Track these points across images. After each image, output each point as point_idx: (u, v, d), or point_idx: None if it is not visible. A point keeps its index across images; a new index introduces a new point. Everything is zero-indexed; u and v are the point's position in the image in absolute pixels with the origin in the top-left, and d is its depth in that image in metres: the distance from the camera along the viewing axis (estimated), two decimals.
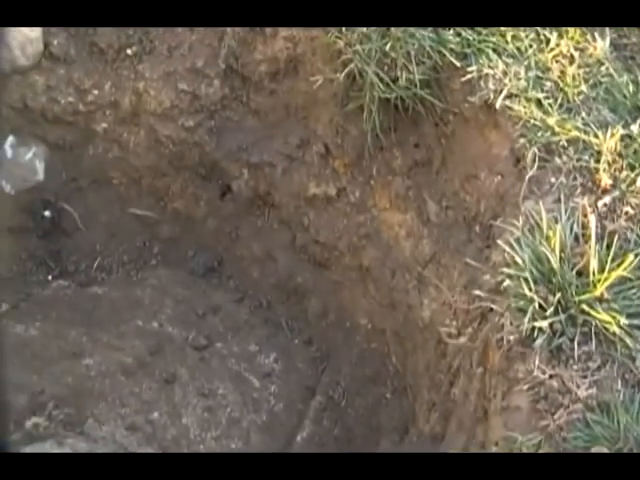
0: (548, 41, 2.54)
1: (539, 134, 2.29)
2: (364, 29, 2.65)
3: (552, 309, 1.84)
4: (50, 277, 3.22)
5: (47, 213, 3.24)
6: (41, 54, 3.07)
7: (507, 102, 2.38)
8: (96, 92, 3.19)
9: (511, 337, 1.87)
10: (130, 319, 3.10)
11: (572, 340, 1.80)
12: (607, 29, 2.64)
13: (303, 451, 2.76)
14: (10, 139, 3.18)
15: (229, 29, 3.01)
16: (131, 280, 3.27)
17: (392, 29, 2.61)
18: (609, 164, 2.19)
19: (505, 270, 1.98)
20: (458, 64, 2.52)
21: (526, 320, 1.84)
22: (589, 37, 2.58)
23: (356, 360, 2.96)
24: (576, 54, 2.51)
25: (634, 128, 2.28)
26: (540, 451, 1.66)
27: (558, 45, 2.52)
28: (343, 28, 2.69)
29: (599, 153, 2.21)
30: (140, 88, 3.19)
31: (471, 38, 2.55)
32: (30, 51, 3.03)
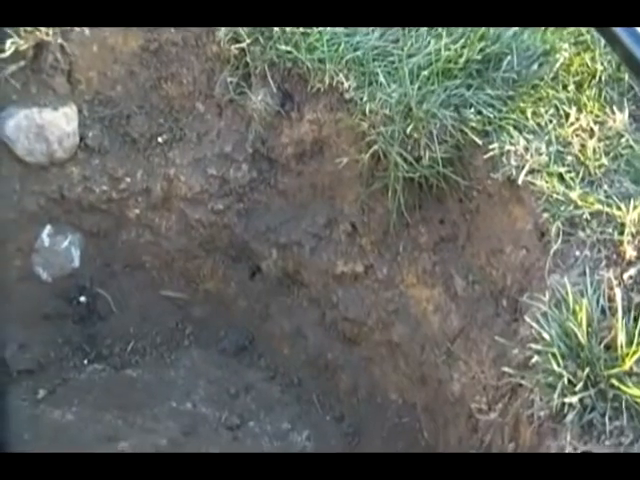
0: (567, 116, 2.59)
1: (562, 208, 2.32)
2: (387, 111, 2.73)
3: (581, 384, 1.84)
4: (86, 361, 3.28)
5: (83, 298, 3.33)
6: (77, 146, 3.20)
7: (529, 177, 2.42)
8: (129, 180, 3.30)
9: (541, 413, 1.87)
10: (164, 400, 3.14)
11: (603, 415, 1.79)
12: (625, 102, 2.70)
13: None
14: (47, 228, 3.29)
15: (256, 115, 3.11)
16: (164, 362, 3.32)
17: (414, 110, 2.69)
18: (633, 236, 2.20)
19: (533, 346, 1.99)
20: (480, 142, 2.58)
21: (556, 396, 1.84)
22: (608, 110, 2.63)
23: (388, 435, 2.94)
24: (596, 127, 2.55)
25: None
26: None
27: (577, 119, 2.57)
28: (367, 111, 2.77)
29: (622, 225, 2.23)
30: (171, 174, 3.29)
31: (492, 116, 2.62)
32: (67, 144, 3.16)
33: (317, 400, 3.20)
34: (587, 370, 1.85)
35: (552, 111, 2.62)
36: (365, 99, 2.78)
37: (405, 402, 2.95)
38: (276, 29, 2.94)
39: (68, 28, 3.02)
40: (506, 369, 2.10)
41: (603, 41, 2.67)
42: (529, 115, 2.59)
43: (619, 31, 1.22)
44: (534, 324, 2.02)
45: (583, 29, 2.88)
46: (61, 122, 3.13)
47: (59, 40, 3.05)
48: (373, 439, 2.99)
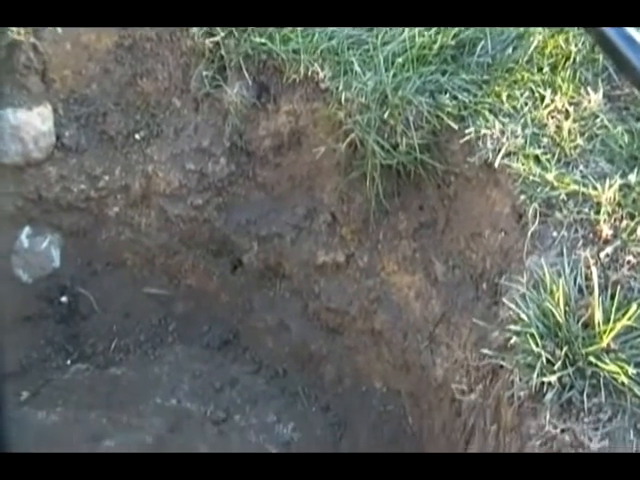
0: (543, 98, 2.59)
1: (539, 190, 2.32)
2: (363, 99, 2.73)
3: (560, 363, 1.84)
4: (69, 361, 3.26)
5: (64, 299, 3.31)
6: (53, 146, 3.18)
7: (506, 160, 2.42)
8: (107, 178, 3.29)
9: (521, 393, 1.87)
10: (149, 398, 3.13)
11: (582, 393, 1.80)
12: (600, 82, 2.70)
13: None
14: (26, 229, 3.27)
15: (232, 108, 3.09)
16: (148, 359, 3.31)
17: (390, 98, 2.68)
18: (609, 215, 2.21)
19: (512, 327, 1.99)
20: (456, 126, 2.58)
21: (535, 375, 1.84)
22: (583, 91, 2.63)
23: (373, 423, 2.95)
24: (571, 109, 2.55)
25: (632, 178, 2.31)
26: None
27: (553, 101, 2.57)
28: (342, 100, 2.76)
29: (599, 204, 2.23)
30: (149, 171, 3.28)
31: (467, 100, 2.61)
32: (43, 144, 3.14)
33: (302, 391, 3.19)
34: (565, 349, 1.86)
35: (527, 94, 2.62)
36: (341, 88, 2.77)
37: (389, 389, 2.96)
38: None
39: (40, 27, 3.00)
40: (486, 351, 2.11)
41: None
42: (504, 99, 2.59)
43: None
44: (513, 306, 2.03)
45: None
46: (36, 122, 3.11)
47: (31, 39, 3.03)
48: (359, 428, 2.99)
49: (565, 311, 1.94)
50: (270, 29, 2.93)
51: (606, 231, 2.16)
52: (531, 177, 2.35)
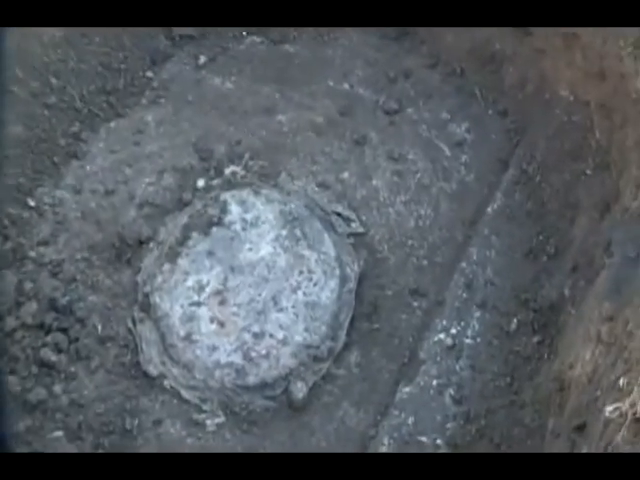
0: None
1: None
2: None
3: None
4: (244, 32, 3.18)
5: None
6: None
7: None
8: None
9: None
10: (321, 79, 3.06)
11: None
12: None
13: (493, 222, 2.72)
14: None
15: None
16: (322, 40, 3.18)
17: None
18: None
19: None
20: None
21: None
22: None
23: (554, 134, 2.77)
24: None
25: None
26: None
27: None
28: None
29: None
30: None
31: None
32: None
33: (479, 93, 3.00)
34: None
35: None
36: None
37: (577, 99, 2.71)
38: None
39: None
40: None
41: None
42: None
43: None
44: None
45: None
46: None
47: None
48: (537, 137, 2.82)
49: None
50: None
51: None
52: None
